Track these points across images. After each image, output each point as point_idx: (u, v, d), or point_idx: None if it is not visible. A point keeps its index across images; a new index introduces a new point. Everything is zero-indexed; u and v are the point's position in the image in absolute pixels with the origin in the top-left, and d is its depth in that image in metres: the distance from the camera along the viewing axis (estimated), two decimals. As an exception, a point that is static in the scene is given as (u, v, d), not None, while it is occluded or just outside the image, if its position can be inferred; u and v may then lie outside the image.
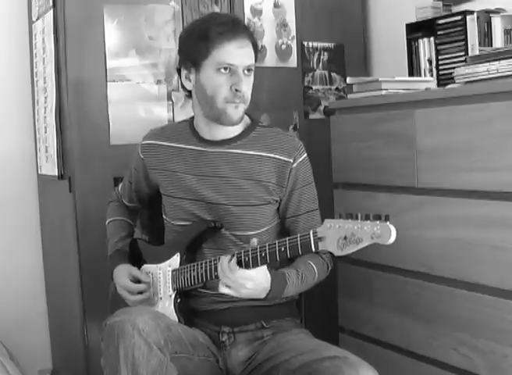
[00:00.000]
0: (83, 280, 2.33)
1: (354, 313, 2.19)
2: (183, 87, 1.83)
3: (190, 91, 1.82)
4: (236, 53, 1.69)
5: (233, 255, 1.60)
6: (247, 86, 1.72)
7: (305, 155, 1.81)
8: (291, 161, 1.77)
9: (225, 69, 1.69)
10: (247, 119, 1.83)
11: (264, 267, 1.60)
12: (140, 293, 1.80)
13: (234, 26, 1.72)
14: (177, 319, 1.74)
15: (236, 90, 1.69)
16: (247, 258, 1.58)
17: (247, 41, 1.72)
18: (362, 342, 2.14)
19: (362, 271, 2.12)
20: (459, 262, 1.80)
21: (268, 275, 1.62)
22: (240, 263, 1.59)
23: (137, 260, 1.89)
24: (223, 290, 1.59)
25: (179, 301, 1.77)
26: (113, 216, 2.02)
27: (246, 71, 1.72)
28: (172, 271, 1.78)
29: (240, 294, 1.60)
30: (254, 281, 1.59)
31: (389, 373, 1.88)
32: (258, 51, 1.78)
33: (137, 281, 1.82)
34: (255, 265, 1.58)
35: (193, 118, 1.87)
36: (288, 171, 1.76)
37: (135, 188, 1.98)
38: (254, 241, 1.61)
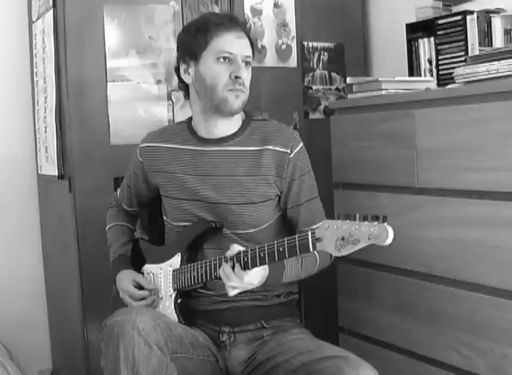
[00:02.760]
0: (83, 280, 2.33)
1: (354, 313, 2.19)
2: (179, 86, 1.84)
3: (187, 90, 1.82)
4: (234, 42, 1.71)
5: (232, 259, 1.60)
6: (246, 74, 1.73)
7: (301, 144, 1.81)
8: (288, 151, 1.77)
9: (225, 58, 1.71)
10: (242, 115, 1.83)
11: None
12: (143, 299, 1.80)
13: (232, 18, 1.76)
14: (177, 319, 1.74)
15: (236, 77, 1.70)
16: (245, 259, 1.59)
17: (244, 33, 1.75)
18: (362, 342, 2.14)
19: (362, 271, 2.12)
20: (459, 262, 1.80)
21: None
22: (238, 264, 1.60)
23: (139, 260, 1.90)
24: (232, 292, 1.60)
25: (179, 301, 1.77)
26: (113, 222, 2.02)
27: (244, 63, 1.73)
28: (173, 271, 1.78)
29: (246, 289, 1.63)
30: (260, 275, 1.61)
31: (389, 373, 1.88)
32: (256, 48, 1.80)
33: (141, 287, 1.82)
34: (254, 265, 1.58)
35: (190, 119, 1.87)
36: (286, 162, 1.77)
37: (134, 192, 1.98)
38: (235, 247, 1.62)
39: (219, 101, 1.72)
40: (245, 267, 1.59)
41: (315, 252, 1.73)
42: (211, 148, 1.79)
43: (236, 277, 1.58)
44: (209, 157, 1.79)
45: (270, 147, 1.77)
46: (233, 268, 1.59)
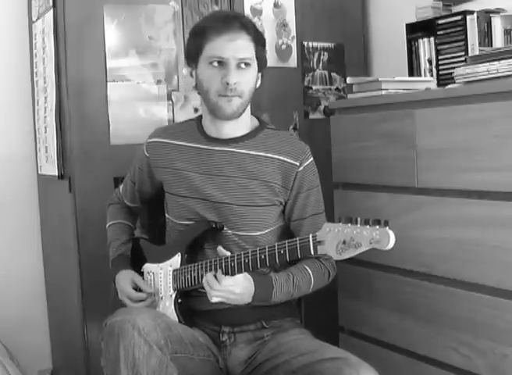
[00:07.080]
0: (83, 280, 2.33)
1: (354, 313, 2.19)
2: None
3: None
4: (225, 46, 1.69)
5: (226, 262, 1.63)
6: (239, 79, 1.70)
7: (311, 158, 1.81)
8: (297, 164, 1.77)
9: (218, 62, 1.70)
10: (255, 121, 1.84)
11: (244, 273, 1.63)
12: (141, 300, 1.80)
13: (227, 20, 1.72)
14: (177, 319, 1.74)
15: (227, 83, 1.69)
16: (246, 260, 1.59)
17: (241, 33, 1.71)
18: (362, 342, 2.14)
19: (362, 271, 2.12)
20: (459, 262, 1.80)
21: (250, 277, 1.64)
22: (239, 265, 1.60)
23: (139, 259, 1.90)
24: (214, 299, 1.62)
25: (179, 301, 1.77)
26: (114, 219, 2.01)
27: (242, 64, 1.71)
28: (173, 271, 1.78)
29: (230, 300, 1.63)
30: (242, 285, 1.62)
31: (389, 373, 1.88)
32: (262, 45, 1.77)
33: (140, 288, 1.82)
34: (255, 267, 1.59)
35: (200, 117, 1.87)
36: (294, 174, 1.77)
37: (138, 188, 1.98)
38: (221, 249, 1.64)
39: (213, 106, 1.73)
40: (245, 269, 1.60)
41: (310, 272, 1.74)
42: (219, 147, 1.79)
43: (217, 283, 1.60)
44: (216, 156, 1.79)
45: (279, 156, 1.77)
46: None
